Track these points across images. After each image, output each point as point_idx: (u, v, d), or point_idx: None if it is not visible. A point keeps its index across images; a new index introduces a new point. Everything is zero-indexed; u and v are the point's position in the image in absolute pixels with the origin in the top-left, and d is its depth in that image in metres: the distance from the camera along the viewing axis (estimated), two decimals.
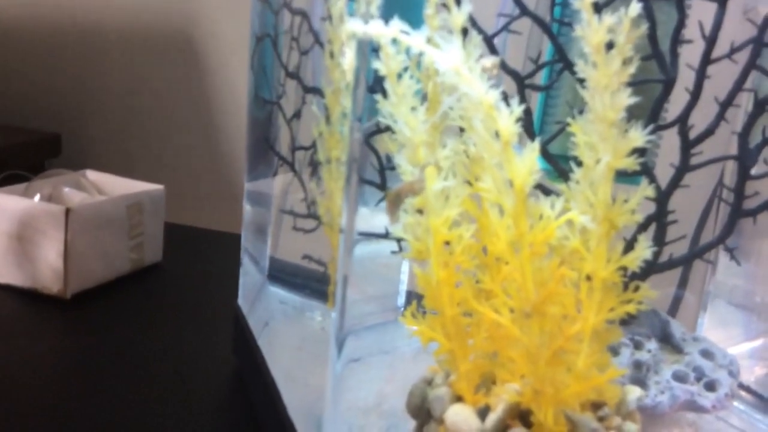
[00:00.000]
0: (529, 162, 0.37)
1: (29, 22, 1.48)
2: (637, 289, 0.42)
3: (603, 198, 0.41)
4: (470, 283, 0.41)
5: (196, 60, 1.39)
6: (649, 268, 0.52)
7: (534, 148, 0.37)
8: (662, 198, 0.52)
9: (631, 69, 0.42)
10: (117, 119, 1.47)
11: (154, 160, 1.45)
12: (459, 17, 0.41)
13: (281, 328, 0.61)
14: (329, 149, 0.48)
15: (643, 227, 0.52)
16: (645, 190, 0.41)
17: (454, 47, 0.36)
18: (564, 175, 0.51)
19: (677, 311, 0.71)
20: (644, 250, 0.41)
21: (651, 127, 0.41)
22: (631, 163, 0.41)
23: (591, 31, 0.40)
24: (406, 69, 0.39)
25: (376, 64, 0.37)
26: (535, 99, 0.58)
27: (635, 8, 0.42)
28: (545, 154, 0.52)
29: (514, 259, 0.38)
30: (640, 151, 0.52)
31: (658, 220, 0.52)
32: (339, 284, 0.39)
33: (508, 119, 0.37)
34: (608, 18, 0.39)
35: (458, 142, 0.41)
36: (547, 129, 0.57)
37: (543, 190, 0.52)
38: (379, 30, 0.34)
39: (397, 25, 0.35)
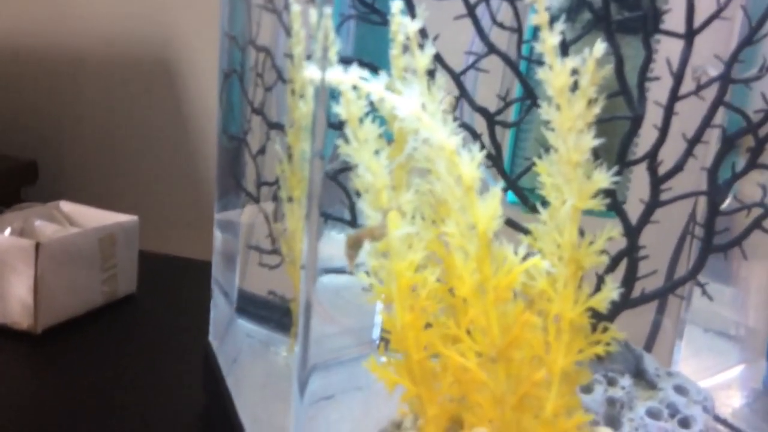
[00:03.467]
0: (491, 207, 0.37)
1: (4, 49, 1.48)
2: (605, 330, 0.42)
3: (569, 239, 0.40)
4: (437, 327, 0.40)
5: (172, 87, 1.38)
6: (622, 305, 0.52)
7: (496, 193, 0.37)
8: (633, 233, 0.51)
9: (596, 109, 0.42)
10: (94, 146, 1.46)
11: (131, 185, 1.44)
12: (423, 59, 0.41)
13: (248, 364, 0.60)
14: (291, 188, 0.48)
15: (614, 263, 0.52)
16: (611, 231, 0.41)
17: (413, 93, 0.35)
18: (534, 210, 0.50)
19: (655, 339, 0.71)
20: (611, 291, 0.41)
21: (616, 168, 0.41)
22: (596, 205, 0.41)
23: (554, 74, 0.40)
24: (368, 113, 0.38)
25: (337, 109, 0.37)
26: (508, 135, 0.57)
27: (599, 49, 0.42)
28: (515, 188, 0.52)
29: (478, 304, 0.38)
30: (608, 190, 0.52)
31: (629, 255, 0.52)
32: (301, 323, 0.38)
33: (470, 164, 0.36)
34: (570, 61, 0.39)
35: (425, 182, 0.41)
36: (518, 164, 0.57)
37: (514, 225, 0.52)
38: (337, 77, 0.34)
39: (356, 71, 0.35)
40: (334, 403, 0.56)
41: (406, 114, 0.35)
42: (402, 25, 0.41)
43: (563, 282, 0.41)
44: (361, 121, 0.38)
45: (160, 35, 1.36)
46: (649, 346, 0.69)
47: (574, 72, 0.41)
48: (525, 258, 0.37)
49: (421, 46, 0.40)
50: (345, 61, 0.48)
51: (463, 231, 0.37)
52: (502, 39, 0.52)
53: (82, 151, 1.46)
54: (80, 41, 1.42)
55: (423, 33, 0.49)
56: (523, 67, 0.53)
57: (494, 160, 0.52)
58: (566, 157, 0.40)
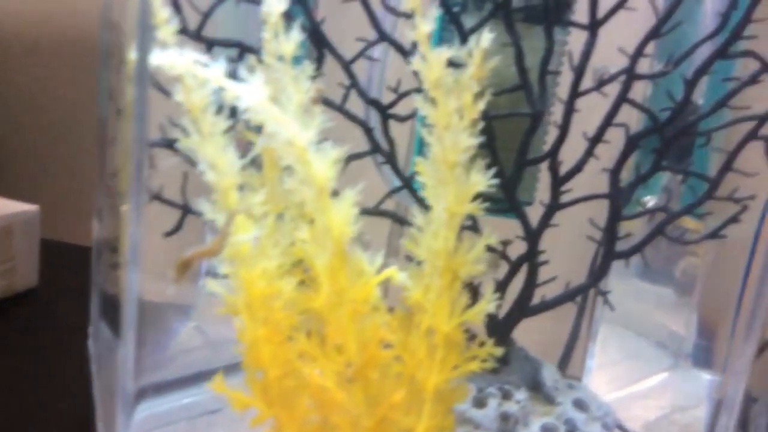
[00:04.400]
0: (345, 212, 0.33)
1: None
2: (482, 344, 0.39)
3: (444, 246, 0.37)
4: (298, 342, 0.37)
5: (76, 69, 1.32)
6: (520, 313, 0.49)
7: (349, 198, 0.33)
8: (533, 237, 0.48)
9: (481, 105, 0.38)
10: None
11: (32, 173, 1.37)
12: (289, 45, 0.37)
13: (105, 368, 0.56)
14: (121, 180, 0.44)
15: (514, 268, 0.49)
16: (488, 238, 0.38)
17: (257, 80, 0.32)
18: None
19: (575, 345, 0.68)
20: (488, 303, 0.38)
21: (494, 169, 0.38)
22: (475, 209, 0.37)
23: (428, 65, 0.36)
24: (221, 106, 0.34)
25: (177, 97, 0.33)
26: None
27: (487, 38, 0.39)
28: (410, 188, 0.48)
29: (334, 318, 0.34)
30: (509, 185, 0.49)
31: (529, 260, 0.49)
32: (126, 331, 0.34)
33: (323, 164, 0.33)
34: (446, 51, 0.36)
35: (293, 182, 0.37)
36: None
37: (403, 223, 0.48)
38: (165, 60, 0.30)
39: (190, 55, 0.31)
40: (190, 426, 0.52)
41: (250, 105, 0.31)
42: (270, 5, 0.37)
43: (437, 292, 0.38)
44: (206, 111, 0.33)
45: (62, 16, 1.29)
46: (567, 353, 0.67)
47: (457, 65, 0.37)
48: (382, 268, 0.34)
49: (313, 32, 0.36)
50: (212, 43, 0.44)
51: (318, 237, 0.34)
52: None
53: None
54: None
55: (307, 20, 0.45)
56: None
57: (388, 156, 0.48)
58: (442, 157, 0.37)
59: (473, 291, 0.44)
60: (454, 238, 0.37)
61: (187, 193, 0.44)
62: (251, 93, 0.31)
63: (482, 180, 0.36)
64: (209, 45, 0.45)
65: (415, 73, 0.44)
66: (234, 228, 0.33)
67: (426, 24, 0.35)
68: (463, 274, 0.37)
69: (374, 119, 0.51)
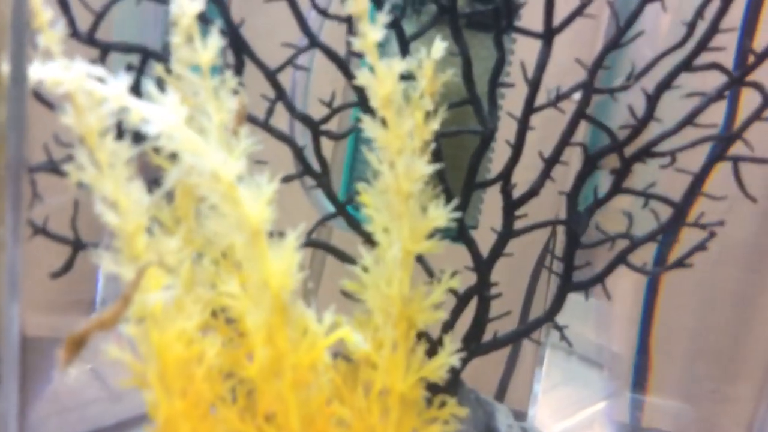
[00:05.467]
0: (287, 259, 0.27)
1: None
2: (443, 405, 0.33)
3: (399, 291, 0.31)
4: (225, 417, 0.30)
5: None
6: (471, 353, 0.44)
7: (291, 242, 0.27)
8: (484, 267, 0.43)
9: (435, 125, 0.33)
10: None
11: None
12: (207, 53, 0.30)
13: None
14: None
15: (463, 302, 0.44)
16: (448, 282, 0.32)
17: (170, 98, 0.25)
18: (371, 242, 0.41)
19: (511, 375, 0.64)
20: (449, 356, 0.32)
21: (455, 201, 0.32)
22: (432, 247, 0.32)
23: (377, 80, 0.30)
24: (118, 126, 0.27)
25: (65, 119, 0.26)
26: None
27: (439, 48, 0.33)
28: (346, 215, 0.43)
29: (272, 387, 0.28)
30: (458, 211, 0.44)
31: (480, 292, 0.44)
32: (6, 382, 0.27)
33: (258, 202, 0.26)
34: (399, 63, 0.30)
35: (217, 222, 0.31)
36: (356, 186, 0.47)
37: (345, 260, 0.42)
38: (49, 75, 0.23)
39: (82, 67, 0.24)
40: None
41: (160, 130, 0.25)
42: (181, 6, 0.30)
43: (391, 345, 0.32)
44: (105, 137, 0.26)
45: None
46: (504, 383, 0.62)
47: (408, 77, 0.32)
48: (334, 327, 0.28)
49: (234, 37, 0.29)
50: (108, 48, 0.37)
51: (251, 290, 0.27)
52: (340, 31, 0.43)
53: None
54: None
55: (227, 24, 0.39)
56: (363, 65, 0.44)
57: (320, 178, 0.42)
58: (395, 187, 0.31)
59: (422, 336, 0.39)
60: (408, 280, 0.32)
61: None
62: (164, 115, 0.24)
63: (441, 214, 0.31)
64: (105, 50, 0.38)
65: (357, 89, 0.38)
66: (142, 283, 0.26)
67: (374, 32, 0.30)
68: (420, 322, 0.32)
69: (303, 136, 0.45)
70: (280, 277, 0.27)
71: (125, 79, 0.24)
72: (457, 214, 0.32)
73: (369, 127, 0.31)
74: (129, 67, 0.40)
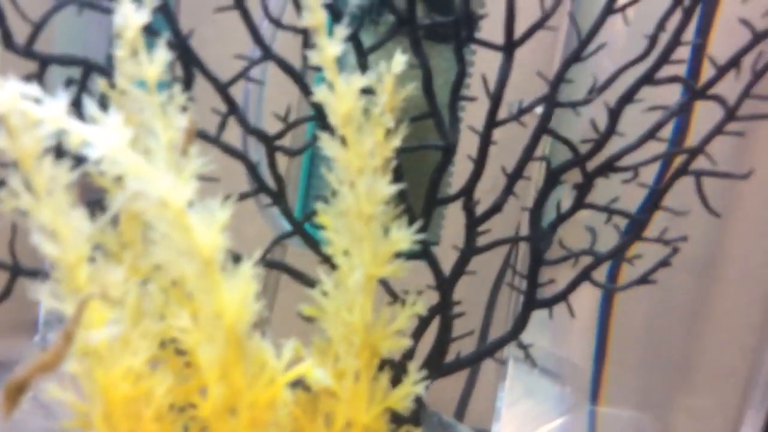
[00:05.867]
0: (242, 291, 0.25)
1: None
2: None
3: (362, 319, 0.30)
4: None
5: None
6: (434, 374, 0.42)
7: (247, 271, 0.25)
8: (446, 286, 0.42)
9: (396, 141, 0.31)
10: None
11: None
12: (153, 68, 0.28)
13: None
14: None
15: (425, 323, 0.42)
16: (413, 307, 0.31)
17: (114, 118, 0.23)
18: (329, 262, 0.39)
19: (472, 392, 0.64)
20: (414, 385, 0.31)
21: (419, 222, 0.31)
22: (396, 271, 0.30)
23: (336, 96, 0.29)
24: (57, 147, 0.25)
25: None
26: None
27: (399, 62, 0.32)
28: (303, 234, 0.41)
29: (227, 427, 0.26)
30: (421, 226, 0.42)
31: (443, 312, 0.42)
32: None
33: (210, 229, 0.24)
34: (359, 79, 0.29)
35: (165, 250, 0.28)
36: (312, 205, 0.45)
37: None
38: None
39: (16, 87, 0.22)
40: None
41: (105, 153, 0.23)
42: (125, 17, 0.28)
43: (354, 375, 0.30)
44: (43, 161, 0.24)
45: None
46: (465, 400, 0.61)
47: (366, 92, 0.30)
48: (294, 361, 0.26)
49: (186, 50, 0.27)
50: (47, 61, 0.35)
51: (203, 323, 0.25)
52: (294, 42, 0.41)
53: None
54: None
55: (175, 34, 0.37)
56: (317, 80, 0.42)
57: (275, 196, 0.40)
58: (356, 209, 0.30)
59: (386, 363, 0.37)
60: (371, 306, 0.30)
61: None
62: (106, 137, 0.23)
63: (404, 236, 0.30)
64: (43, 63, 0.35)
65: (315, 105, 0.36)
66: (85, 317, 0.24)
67: (332, 46, 0.28)
68: (383, 350, 0.30)
69: (257, 152, 0.43)
70: (236, 310, 0.25)
71: (63, 99, 0.22)
72: (422, 236, 0.31)
73: (328, 145, 0.30)
74: (69, 82, 0.38)
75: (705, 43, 0.48)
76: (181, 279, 0.25)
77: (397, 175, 0.39)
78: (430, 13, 0.45)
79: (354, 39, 0.39)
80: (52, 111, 0.22)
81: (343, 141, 0.29)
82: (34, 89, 0.22)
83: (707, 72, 0.39)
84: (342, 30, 0.28)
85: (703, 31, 0.50)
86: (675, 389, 0.62)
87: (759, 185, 0.51)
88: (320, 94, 0.29)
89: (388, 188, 0.30)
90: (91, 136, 0.22)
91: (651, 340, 0.61)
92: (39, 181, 0.24)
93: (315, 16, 0.27)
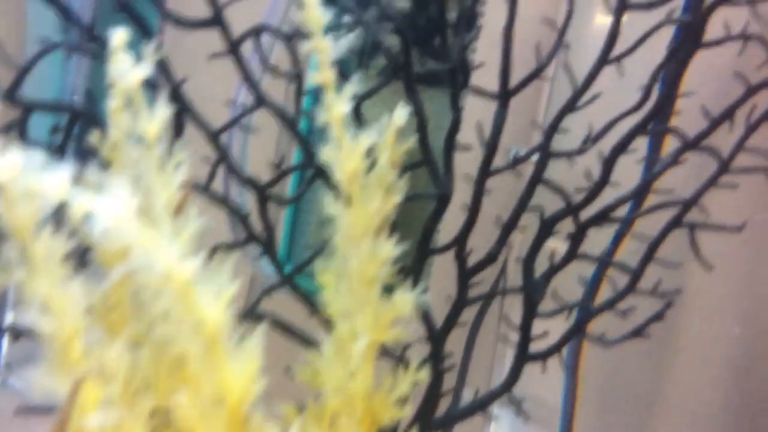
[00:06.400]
0: (248, 369, 0.24)
1: None
2: None
3: (363, 387, 0.28)
4: None
5: None
6: (423, 429, 0.41)
7: (253, 349, 0.24)
8: (437, 338, 0.41)
9: (397, 197, 0.31)
10: None
11: None
12: (154, 125, 0.27)
13: None
14: None
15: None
16: (414, 374, 0.30)
17: (119, 187, 0.22)
18: (318, 314, 0.38)
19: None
20: None
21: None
22: (399, 335, 0.29)
23: (343, 155, 0.28)
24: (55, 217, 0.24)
25: None
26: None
27: (401, 116, 0.31)
28: (293, 286, 0.40)
29: None
30: (412, 277, 0.41)
31: (434, 362, 0.41)
32: None
33: (216, 305, 0.23)
34: (366, 137, 0.28)
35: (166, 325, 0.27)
36: (297, 253, 0.44)
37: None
38: None
39: (14, 156, 0.21)
40: None
41: (108, 227, 0.21)
42: (124, 69, 0.27)
43: None
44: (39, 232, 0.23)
45: None
46: None
47: (370, 152, 0.29)
48: None
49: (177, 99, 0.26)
50: (31, 107, 0.33)
51: (205, 404, 0.24)
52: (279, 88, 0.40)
53: None
54: None
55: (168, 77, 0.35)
56: (304, 125, 0.41)
57: (266, 246, 0.39)
58: (359, 271, 0.29)
59: None
60: (372, 373, 0.29)
61: None
62: (112, 208, 0.21)
63: (408, 300, 0.29)
64: (27, 110, 0.34)
65: (304, 147, 0.35)
66: (78, 400, 0.23)
67: (341, 104, 0.27)
68: (385, 419, 0.29)
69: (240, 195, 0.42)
70: (240, 390, 0.24)
71: (67, 169, 0.21)
72: (426, 297, 0.30)
73: (331, 205, 0.29)
74: (56, 128, 0.36)
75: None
76: (183, 354, 0.24)
77: (391, 225, 0.38)
78: (422, 57, 0.44)
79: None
80: (55, 182, 0.21)
81: (348, 200, 0.28)
82: (37, 157, 0.21)
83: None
84: (351, 87, 0.27)
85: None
86: (644, 426, 0.62)
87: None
88: (327, 153, 0.28)
89: (392, 249, 0.29)
90: (97, 208, 0.21)
91: (620, 376, 0.61)
92: (35, 253, 0.22)
93: (324, 74, 0.26)
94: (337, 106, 0.27)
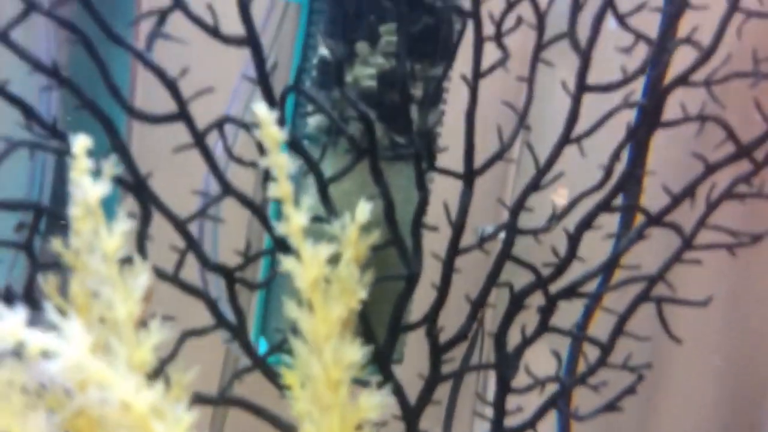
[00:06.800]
0: None
1: None
2: None
3: None
4: None
5: None
6: None
7: None
8: (412, 416, 0.41)
9: (362, 293, 0.31)
10: None
11: None
12: (113, 241, 0.28)
13: None
14: None
15: None
16: None
17: (74, 328, 0.22)
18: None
19: None
20: None
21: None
22: None
23: (303, 265, 0.28)
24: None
25: None
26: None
27: (364, 211, 0.32)
28: (267, 372, 0.40)
29: None
30: (382, 356, 0.42)
31: None
32: None
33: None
34: (326, 247, 0.28)
35: None
36: (269, 337, 0.45)
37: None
38: None
39: None
40: None
41: (67, 364, 0.22)
42: (84, 184, 0.28)
43: None
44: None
45: None
46: None
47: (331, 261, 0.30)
48: None
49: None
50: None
51: None
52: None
53: None
54: None
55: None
56: (272, 211, 0.42)
57: (236, 331, 0.39)
58: (323, 377, 0.29)
59: None
60: None
61: None
62: (70, 346, 0.21)
63: (374, 404, 0.29)
64: None
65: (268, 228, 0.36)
66: None
67: (300, 216, 0.28)
68: None
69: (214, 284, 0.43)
70: None
71: (21, 311, 0.21)
72: (391, 399, 0.30)
73: (292, 311, 0.29)
74: (21, 225, 0.36)
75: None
76: None
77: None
78: (388, 132, 0.45)
79: (314, 169, 0.39)
80: (9, 325, 0.21)
81: (310, 307, 0.29)
82: None
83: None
84: (308, 199, 0.28)
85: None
86: None
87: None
88: (287, 263, 0.28)
89: (356, 353, 0.29)
90: (52, 347, 0.21)
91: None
92: None
93: (281, 186, 0.27)
94: (296, 219, 0.28)
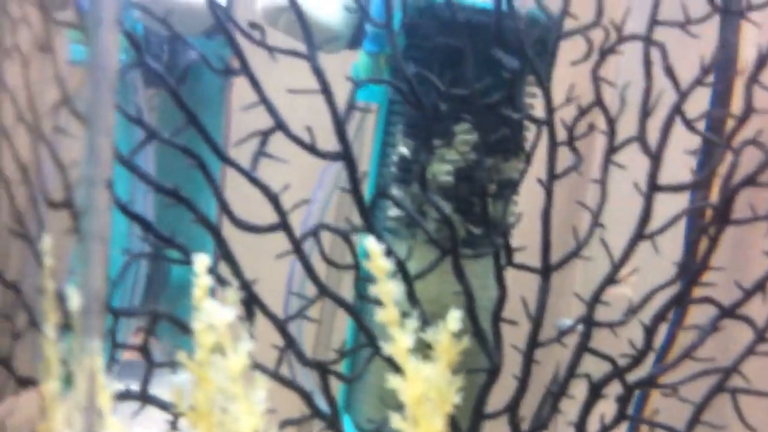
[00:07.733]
0: None
1: None
2: None
3: None
4: None
5: None
6: None
7: None
8: None
9: (456, 399, 0.33)
10: None
11: None
12: (238, 361, 0.31)
13: None
14: None
15: None
16: None
17: None
18: None
19: None
20: None
21: None
22: None
23: (408, 382, 0.31)
24: None
25: None
26: None
27: (455, 319, 0.34)
28: None
29: None
30: None
31: None
32: None
33: None
34: (428, 367, 0.31)
35: None
36: (355, 417, 0.47)
37: None
38: None
39: None
40: None
41: None
42: (210, 310, 0.31)
43: None
44: None
45: None
46: None
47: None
48: None
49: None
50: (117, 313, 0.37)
51: None
52: None
53: None
54: None
55: None
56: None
57: (330, 422, 0.42)
58: None
59: None
60: None
61: None
62: None
63: None
64: (116, 316, 0.37)
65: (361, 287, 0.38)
66: None
67: (405, 338, 0.30)
68: None
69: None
70: None
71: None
72: None
73: (399, 426, 0.32)
74: (139, 329, 0.40)
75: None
76: None
77: None
78: (464, 224, 0.47)
79: (401, 270, 0.41)
80: None
81: (414, 422, 0.31)
82: None
83: None
84: (413, 322, 0.31)
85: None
86: None
87: None
88: (393, 381, 0.31)
89: None
90: None
91: None
92: None
93: (388, 312, 0.30)
94: (402, 340, 0.30)
